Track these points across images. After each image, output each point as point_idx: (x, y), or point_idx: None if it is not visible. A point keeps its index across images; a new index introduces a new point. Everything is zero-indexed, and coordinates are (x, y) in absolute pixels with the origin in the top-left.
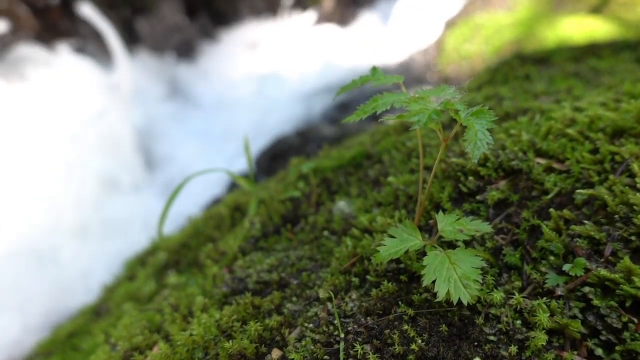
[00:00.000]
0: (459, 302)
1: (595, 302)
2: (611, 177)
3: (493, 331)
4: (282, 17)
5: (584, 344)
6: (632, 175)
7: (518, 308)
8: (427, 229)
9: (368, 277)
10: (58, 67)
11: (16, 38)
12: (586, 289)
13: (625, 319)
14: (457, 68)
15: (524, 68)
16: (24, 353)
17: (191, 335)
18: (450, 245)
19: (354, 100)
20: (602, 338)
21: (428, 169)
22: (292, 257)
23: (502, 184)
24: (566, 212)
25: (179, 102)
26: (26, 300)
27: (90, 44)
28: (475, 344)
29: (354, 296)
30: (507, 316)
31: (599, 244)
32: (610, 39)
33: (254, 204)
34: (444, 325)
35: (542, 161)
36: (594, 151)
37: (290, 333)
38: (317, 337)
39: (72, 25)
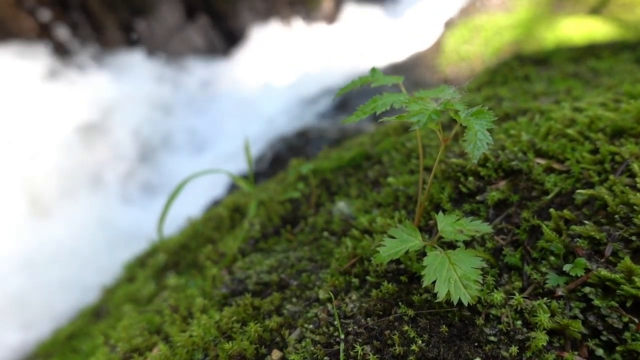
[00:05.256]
0: (459, 302)
1: (596, 302)
2: (611, 177)
3: (493, 332)
4: (282, 18)
5: (585, 344)
6: (632, 175)
7: (518, 308)
8: (427, 229)
9: (368, 277)
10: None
11: None
12: (587, 289)
13: (626, 319)
14: (457, 69)
15: (523, 69)
16: (24, 355)
17: (191, 336)
18: (451, 245)
19: (353, 101)
20: (603, 338)
21: (428, 169)
22: (291, 258)
23: (502, 184)
24: (566, 213)
25: (178, 104)
26: None
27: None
28: (476, 344)
29: (354, 297)
30: (507, 317)
31: (600, 244)
32: (610, 40)
33: (253, 205)
34: (444, 326)
35: (542, 161)
36: (594, 151)
37: (290, 334)
38: (317, 338)
39: None
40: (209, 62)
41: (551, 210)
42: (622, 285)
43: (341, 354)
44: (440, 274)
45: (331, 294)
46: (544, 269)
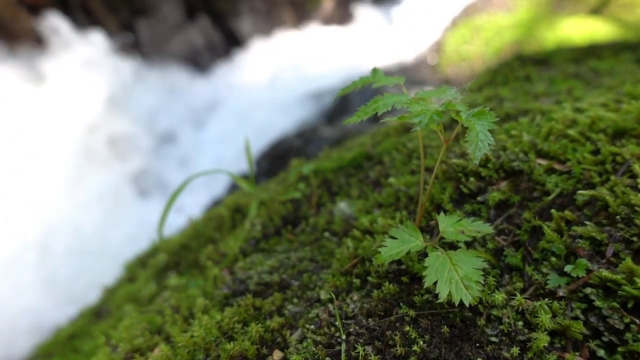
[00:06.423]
0: (461, 303)
1: (597, 303)
2: (612, 178)
3: (495, 332)
4: (283, 18)
5: (586, 345)
6: (633, 176)
7: (520, 309)
8: (428, 230)
9: (369, 278)
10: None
11: None
12: (588, 290)
13: (627, 320)
14: (457, 69)
15: (524, 69)
16: (24, 355)
17: (192, 336)
18: (452, 246)
19: (354, 101)
20: (604, 339)
21: (429, 170)
22: (292, 259)
23: (503, 185)
24: (568, 213)
25: (179, 104)
26: None
27: None
28: (477, 345)
29: (355, 297)
30: (508, 317)
31: (601, 245)
32: (611, 40)
33: (254, 206)
34: (445, 327)
35: (543, 162)
36: (595, 152)
37: (291, 334)
38: (318, 338)
39: None
40: (208, 62)
41: (552, 210)
42: (623, 286)
43: (342, 355)
44: (441, 275)
45: (332, 294)
46: (545, 270)
